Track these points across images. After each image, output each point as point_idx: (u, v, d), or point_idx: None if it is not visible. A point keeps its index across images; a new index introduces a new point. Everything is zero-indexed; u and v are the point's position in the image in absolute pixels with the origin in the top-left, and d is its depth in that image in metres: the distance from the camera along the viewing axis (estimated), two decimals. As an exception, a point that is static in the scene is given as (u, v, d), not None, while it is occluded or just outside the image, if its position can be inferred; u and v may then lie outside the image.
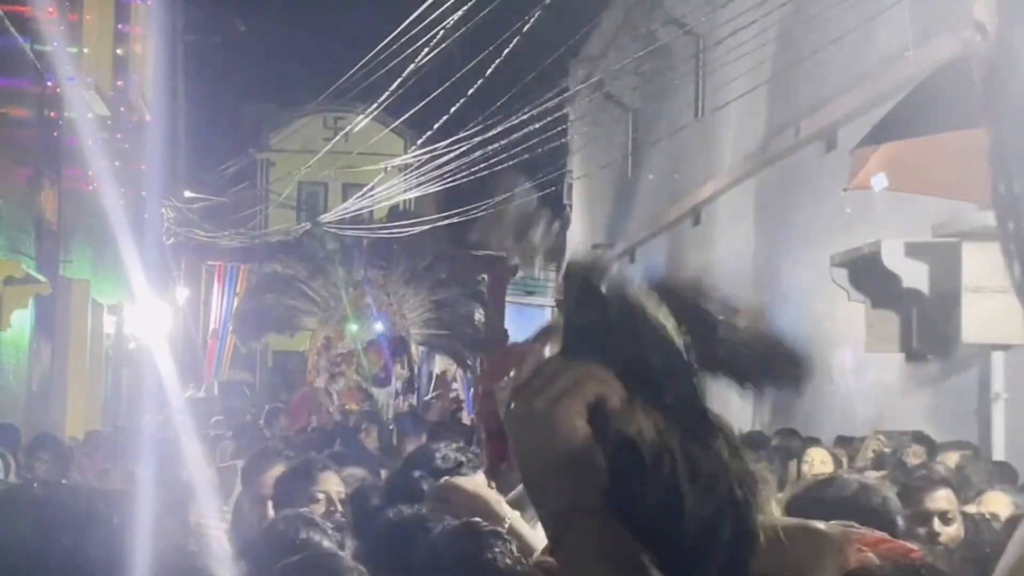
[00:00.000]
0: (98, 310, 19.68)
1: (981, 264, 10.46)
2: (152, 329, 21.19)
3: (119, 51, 19.28)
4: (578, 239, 32.21)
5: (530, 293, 38.78)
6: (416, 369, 29.61)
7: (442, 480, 4.92)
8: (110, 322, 21.72)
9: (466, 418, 21.07)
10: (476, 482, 4.87)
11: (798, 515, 3.10)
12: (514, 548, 4.12)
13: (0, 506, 1.88)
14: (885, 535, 4.23)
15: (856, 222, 13.12)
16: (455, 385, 32.02)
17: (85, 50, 16.18)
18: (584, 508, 1.91)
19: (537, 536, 4.41)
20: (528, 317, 38.45)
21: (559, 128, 21.92)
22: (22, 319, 14.84)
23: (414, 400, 27.25)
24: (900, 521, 4.80)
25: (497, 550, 4.02)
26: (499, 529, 4.22)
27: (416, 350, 29.24)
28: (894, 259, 11.52)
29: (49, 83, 15.16)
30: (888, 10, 12.62)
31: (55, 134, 16.04)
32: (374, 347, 27.09)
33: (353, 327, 27.71)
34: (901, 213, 12.16)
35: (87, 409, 17.86)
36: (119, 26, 19.37)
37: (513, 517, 4.48)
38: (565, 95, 22.07)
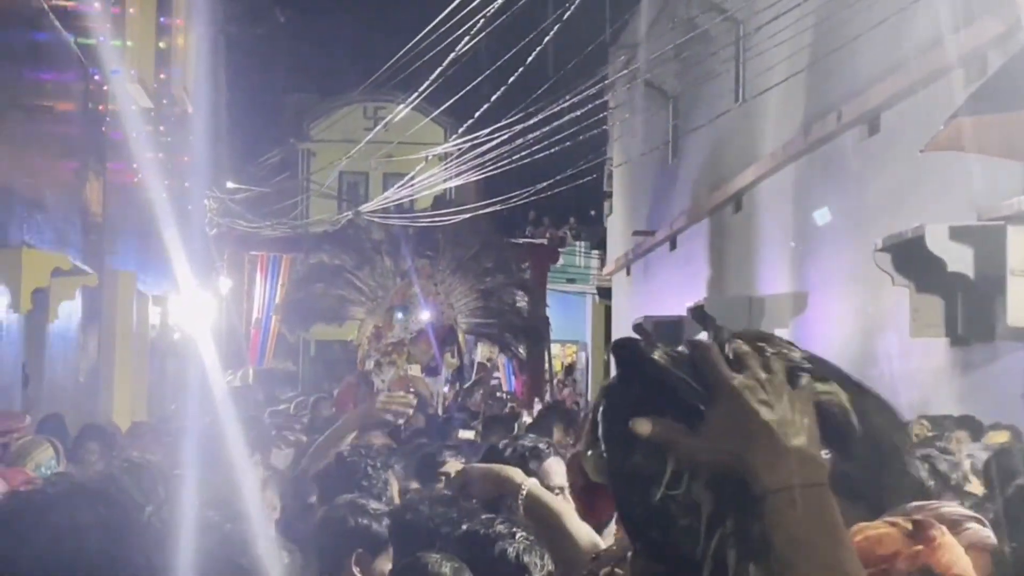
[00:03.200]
0: (143, 301, 19.79)
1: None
2: (196, 319, 21.31)
3: (162, 44, 19.38)
4: (619, 226, 32.24)
5: (571, 281, 38.85)
6: (464, 358, 29.67)
7: (457, 469, 5.06)
8: (155, 313, 21.86)
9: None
10: (486, 465, 4.85)
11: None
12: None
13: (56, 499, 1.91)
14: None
15: (899, 206, 13.06)
16: (497, 374, 32.12)
17: (129, 43, 16.24)
18: None
19: (558, 501, 4.58)
20: (569, 304, 38.55)
21: (599, 115, 21.91)
22: (69, 310, 14.92)
23: (459, 387, 27.32)
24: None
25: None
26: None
27: (463, 339, 29.26)
28: (938, 243, 11.45)
29: (94, 77, 15.24)
30: None
31: (100, 127, 16.11)
32: (423, 336, 27.16)
33: (401, 316, 27.80)
34: (945, 197, 12.12)
35: (133, 399, 17.96)
36: (161, 19, 19.47)
37: (530, 484, 4.49)
38: (605, 83, 22.05)
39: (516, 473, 4.57)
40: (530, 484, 4.46)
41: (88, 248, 15.68)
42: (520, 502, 4.39)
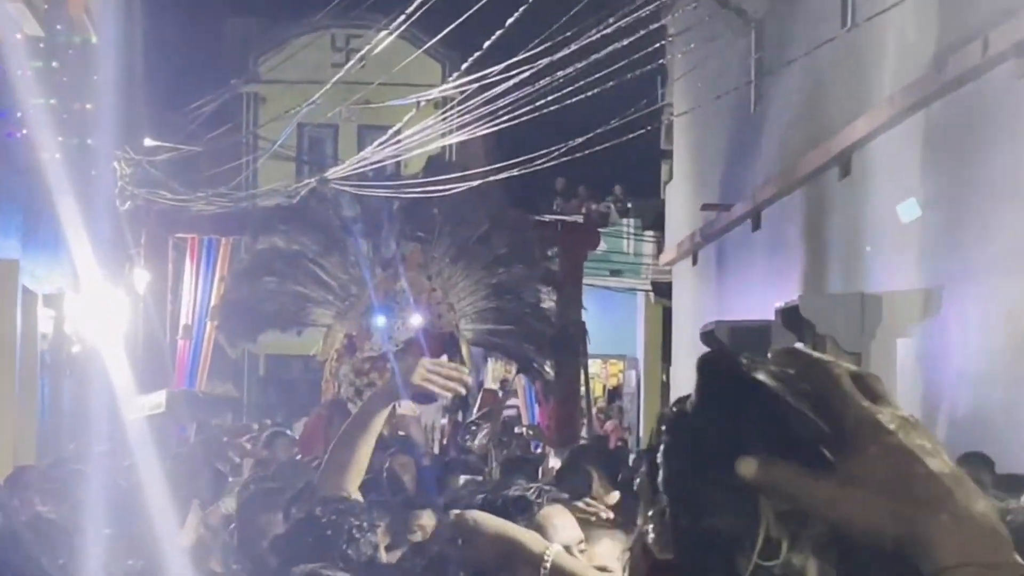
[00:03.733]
0: (30, 300, 19.85)
1: None
2: (102, 326, 21.37)
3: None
4: (682, 199, 32.27)
5: (616, 273, 38.86)
6: (470, 378, 29.62)
7: (455, 514, 5.16)
8: (46, 317, 21.92)
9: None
10: (499, 520, 5.04)
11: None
12: None
13: None
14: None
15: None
16: (514, 401, 32.10)
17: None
18: None
19: (586, 566, 4.88)
20: (614, 305, 38.59)
21: (656, 45, 21.96)
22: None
23: (461, 417, 27.35)
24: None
25: None
26: None
27: (468, 351, 29.26)
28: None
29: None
30: None
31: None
32: (414, 349, 27.17)
33: (383, 321, 27.83)
34: None
35: (16, 434, 18.01)
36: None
37: (554, 552, 4.73)
38: (663, 0, 22.12)
39: (537, 539, 4.81)
40: (555, 552, 4.68)
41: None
42: (543, 574, 4.62)
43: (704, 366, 2.07)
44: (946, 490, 1.85)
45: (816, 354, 1.97)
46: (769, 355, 2.04)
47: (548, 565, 4.65)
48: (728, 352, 2.09)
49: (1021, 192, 14.20)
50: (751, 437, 1.94)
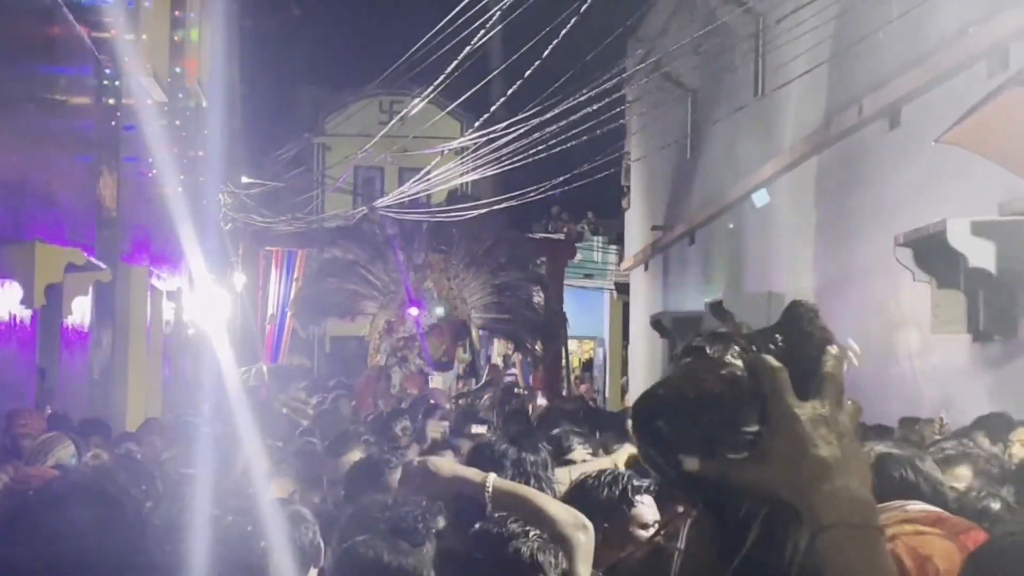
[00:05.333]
0: (157, 297, 19.83)
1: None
2: (210, 315, 21.35)
3: (176, 37, 19.38)
4: (637, 221, 32.24)
5: (588, 276, 38.79)
6: (477, 353, 29.71)
7: (415, 461, 4.99)
8: (169, 309, 21.89)
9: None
10: (446, 460, 4.99)
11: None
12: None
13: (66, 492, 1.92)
14: (941, 512, 4.27)
15: (921, 201, 13.04)
16: (513, 370, 32.17)
17: (143, 37, 16.25)
18: None
19: (523, 487, 4.68)
20: (586, 300, 38.54)
21: (617, 109, 21.88)
22: (83, 306, 14.98)
23: (474, 384, 27.31)
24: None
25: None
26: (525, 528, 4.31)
27: (477, 334, 29.28)
28: (960, 238, 11.46)
29: (107, 71, 15.28)
30: None
31: (113, 122, 16.14)
32: (436, 331, 27.21)
33: (414, 311, 27.81)
34: (966, 191, 12.11)
35: (146, 396, 18.00)
36: (176, 12, 19.47)
37: (492, 479, 4.55)
38: (623, 76, 22.04)
39: (478, 472, 4.64)
40: (492, 478, 4.52)
41: (102, 243, 15.71)
42: (488, 498, 4.46)
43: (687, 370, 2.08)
44: (829, 470, 1.89)
45: (769, 360, 2.00)
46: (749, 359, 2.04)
47: (490, 490, 4.48)
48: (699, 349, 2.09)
49: (883, 217, 14.21)
50: (713, 424, 1.98)
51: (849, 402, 1.95)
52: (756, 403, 1.96)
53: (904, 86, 13.98)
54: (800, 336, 2.06)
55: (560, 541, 4.22)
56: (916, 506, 4.20)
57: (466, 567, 4.20)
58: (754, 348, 2.04)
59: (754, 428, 1.96)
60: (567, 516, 4.34)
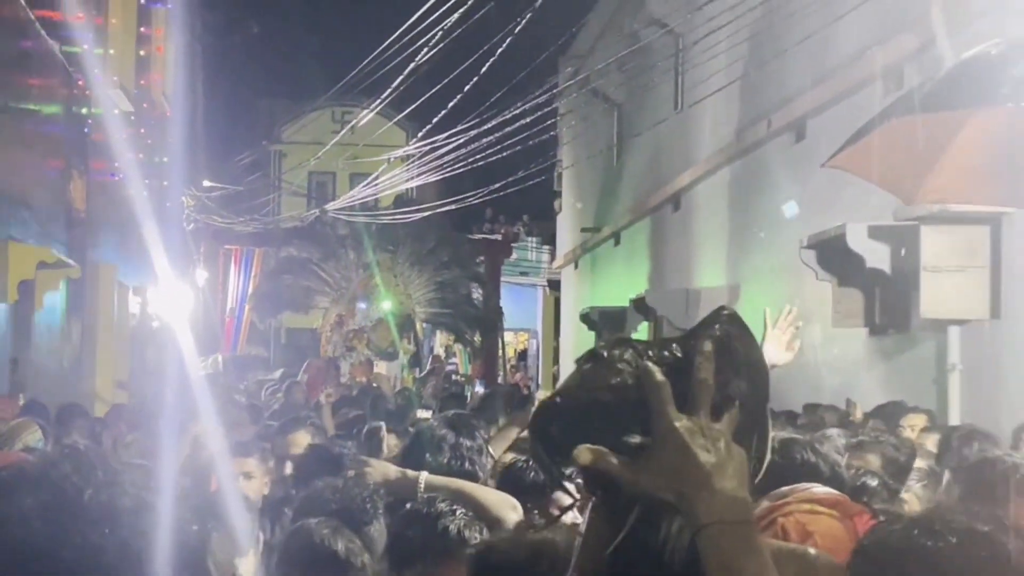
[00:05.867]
0: (124, 292, 19.67)
1: (938, 245, 10.53)
2: (174, 309, 21.21)
3: (142, 52, 19.27)
4: (567, 224, 32.29)
5: (523, 274, 38.88)
6: (420, 344, 29.73)
7: (353, 462, 5.07)
8: (135, 303, 21.73)
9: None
10: (381, 465, 4.93)
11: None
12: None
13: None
14: (840, 495, 4.30)
15: (823, 207, 13.12)
16: (454, 360, 32.18)
17: (111, 51, 16.16)
18: None
19: (454, 481, 4.69)
20: (521, 296, 38.60)
21: (550, 121, 21.92)
22: (54, 300, 14.85)
23: (419, 373, 27.28)
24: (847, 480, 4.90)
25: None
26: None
27: (421, 327, 29.27)
28: (858, 241, 11.55)
29: (78, 82, 15.15)
30: (852, 12, 12.66)
31: (83, 129, 16.02)
32: (382, 324, 27.20)
33: (363, 306, 27.79)
34: (864, 199, 12.19)
35: (114, 384, 17.86)
36: (142, 29, 19.36)
37: (424, 478, 4.64)
38: (555, 91, 22.09)
39: (408, 473, 4.71)
40: (424, 477, 4.62)
41: (72, 242, 15.60)
42: (421, 496, 4.50)
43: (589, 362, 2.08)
44: (707, 475, 1.90)
45: (654, 373, 1.99)
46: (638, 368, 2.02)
47: (422, 487, 4.57)
48: (600, 355, 2.08)
49: (789, 222, 14.29)
50: (601, 431, 1.97)
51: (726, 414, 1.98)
52: (643, 412, 1.96)
53: (809, 102, 14.06)
54: (698, 341, 2.06)
55: (493, 522, 4.26)
56: (821, 489, 4.23)
57: (398, 543, 4.20)
58: (650, 355, 2.02)
59: (638, 439, 1.96)
60: (497, 499, 4.41)
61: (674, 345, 2.05)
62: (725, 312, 2.12)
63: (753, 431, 2.11)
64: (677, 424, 1.94)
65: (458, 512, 4.24)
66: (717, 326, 2.09)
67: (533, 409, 2.15)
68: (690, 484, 1.94)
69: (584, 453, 1.93)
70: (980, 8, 10.41)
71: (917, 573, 2.23)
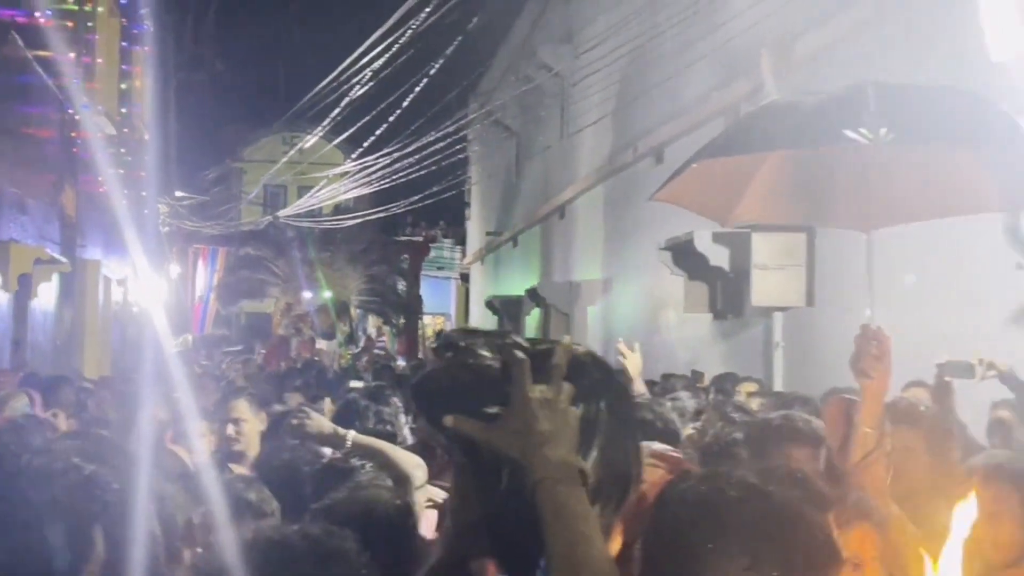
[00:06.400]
0: (108, 283, 19.41)
1: (765, 248, 10.67)
2: (150, 297, 20.95)
3: (123, 86, 19.01)
4: (476, 228, 32.28)
5: (440, 269, 38.81)
6: (355, 326, 29.63)
7: (296, 419, 4.88)
8: (118, 292, 21.44)
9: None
10: (319, 419, 4.78)
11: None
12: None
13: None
14: (673, 451, 4.35)
15: (676, 217, 13.23)
16: (383, 339, 32.08)
17: (97, 85, 15.93)
18: None
19: (376, 440, 4.55)
20: (438, 286, 38.53)
21: (461, 145, 21.99)
22: (48, 290, 14.64)
23: (354, 349, 27.17)
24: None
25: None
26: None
27: (355, 312, 29.20)
28: (704, 245, 11.70)
29: (68, 110, 14.92)
30: (700, 60, 12.81)
31: (73, 149, 15.77)
32: (323, 310, 27.06)
33: (308, 295, 27.66)
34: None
35: (99, 359, 17.61)
36: (123, 67, 19.10)
37: (351, 436, 4.50)
38: (465, 121, 22.13)
39: (338, 430, 4.57)
40: (351, 435, 4.49)
41: (64, 242, 15.36)
42: (347, 449, 4.44)
43: (445, 348, 2.05)
44: (545, 439, 1.89)
45: (517, 353, 1.97)
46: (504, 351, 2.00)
47: (349, 443, 4.45)
48: (458, 345, 2.04)
49: (650, 229, 14.29)
50: (466, 405, 1.94)
51: (567, 385, 1.97)
52: (499, 389, 1.94)
53: (666, 133, 14.15)
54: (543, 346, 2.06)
55: (403, 478, 4.21)
56: (659, 445, 4.25)
57: (317, 491, 4.13)
58: (506, 342, 2.01)
59: (495, 409, 1.93)
60: (408, 459, 4.33)
61: (515, 338, 2.07)
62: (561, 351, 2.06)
63: (625, 437, 2.09)
64: (530, 395, 1.93)
65: (367, 467, 4.22)
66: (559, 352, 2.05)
67: (411, 388, 2.16)
68: (530, 445, 1.92)
69: (448, 419, 1.92)
70: (797, 60, 10.63)
71: (703, 523, 2.14)
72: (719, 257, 11.69)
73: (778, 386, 10.37)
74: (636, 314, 15.69)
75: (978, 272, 7.85)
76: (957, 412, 6.50)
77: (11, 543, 1.84)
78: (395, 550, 3.24)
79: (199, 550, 2.80)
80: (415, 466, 4.36)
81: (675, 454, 4.18)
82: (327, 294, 27.33)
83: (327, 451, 4.79)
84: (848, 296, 9.03)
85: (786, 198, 4.40)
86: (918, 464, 3.88)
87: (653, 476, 3.65)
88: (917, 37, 8.54)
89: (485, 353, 2.00)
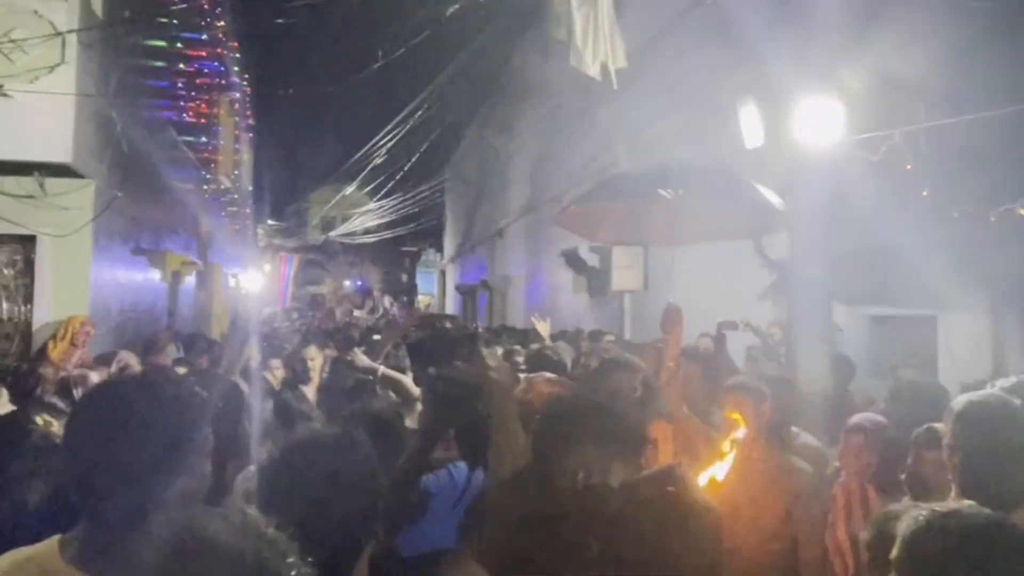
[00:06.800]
0: (226, 277, 19.15)
1: (620, 255, 10.76)
2: (255, 287, 20.73)
3: (235, 157, 18.72)
4: (449, 243, 32.10)
5: (428, 267, 38.50)
6: (378, 302, 29.46)
7: (350, 354, 4.45)
8: (232, 281, 21.14)
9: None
10: (362, 355, 4.29)
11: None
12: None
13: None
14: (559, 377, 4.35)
15: (568, 237, 13.18)
16: (394, 310, 31.94)
17: (220, 157, 15.71)
18: None
19: (395, 374, 4.07)
20: (427, 278, 38.12)
21: (441, 198, 21.97)
22: (190, 282, 14.45)
23: (377, 315, 26.97)
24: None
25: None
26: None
27: (378, 294, 29.00)
28: (585, 253, 11.81)
29: (203, 173, 14.71)
30: (583, 142, 12.78)
31: (206, 196, 15.55)
32: (357, 291, 26.97)
33: (347, 283, 27.43)
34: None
35: (222, 324, 17.33)
36: (236, 146, 18.80)
37: (381, 369, 4.02)
38: (444, 179, 22.08)
39: (372, 364, 4.17)
40: (381, 368, 4.11)
41: (199, 253, 15.16)
42: (378, 377, 4.10)
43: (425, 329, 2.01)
44: (492, 374, 1.83)
45: (474, 326, 1.95)
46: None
47: (380, 373, 4.02)
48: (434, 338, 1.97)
49: (553, 244, 14.11)
50: (436, 355, 1.89)
51: (499, 349, 1.98)
52: (458, 345, 1.91)
53: (564, 186, 13.98)
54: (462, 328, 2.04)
55: (409, 397, 3.85)
56: (550, 375, 4.23)
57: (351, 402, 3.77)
58: (454, 323, 2.02)
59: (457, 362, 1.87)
60: (412, 387, 3.96)
61: (456, 318, 2.10)
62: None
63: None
64: (485, 351, 1.97)
65: (385, 394, 3.92)
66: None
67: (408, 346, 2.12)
68: (486, 378, 1.89)
69: (431, 370, 1.86)
70: (645, 142, 10.70)
71: (571, 422, 1.97)
72: (593, 260, 11.80)
73: (627, 336, 10.41)
74: (546, 296, 15.74)
75: (740, 269, 8.03)
76: (729, 353, 6.67)
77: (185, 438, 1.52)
78: (391, 441, 2.96)
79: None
80: (416, 391, 4.09)
81: (563, 378, 4.22)
82: (359, 283, 27.20)
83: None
84: (665, 284, 9.18)
85: (628, 228, 4.55)
86: (699, 385, 3.88)
87: (547, 390, 3.69)
88: (709, 132, 8.70)
89: (448, 326, 2.03)
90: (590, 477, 1.86)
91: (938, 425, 2.70)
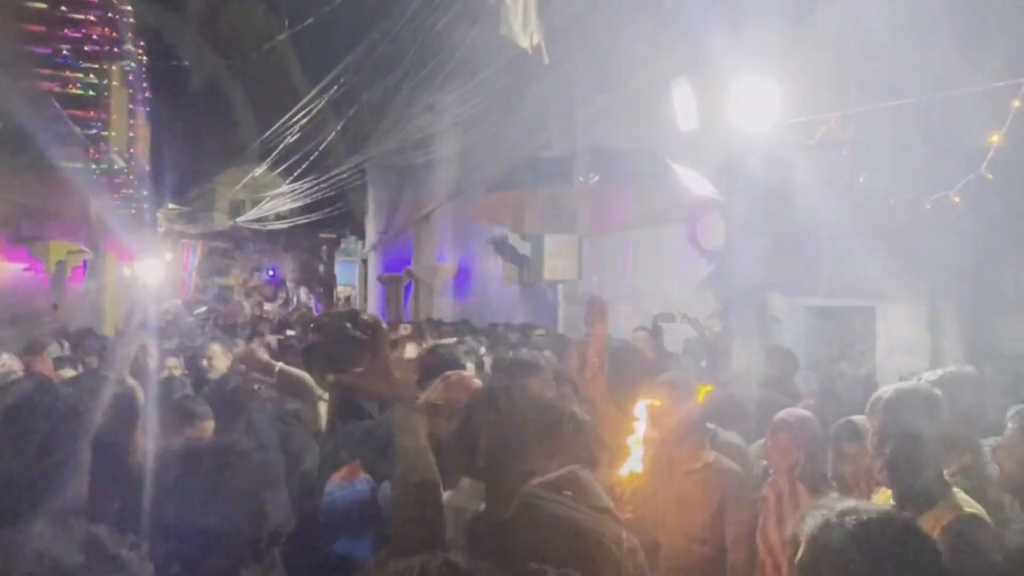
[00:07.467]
0: (120, 266, 18.53)
1: (552, 243, 10.88)
2: (153, 275, 20.13)
3: (131, 134, 18.12)
4: (372, 229, 31.79)
5: (348, 255, 38.04)
6: (289, 295, 29.01)
7: (246, 349, 4.39)
8: (127, 271, 20.47)
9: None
10: (262, 352, 4.31)
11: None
12: None
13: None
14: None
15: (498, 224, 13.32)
16: (310, 303, 31.52)
17: (112, 133, 15.16)
18: None
19: (294, 370, 3.97)
20: (347, 267, 37.72)
21: (362, 180, 21.75)
22: (78, 272, 13.93)
23: (290, 309, 26.58)
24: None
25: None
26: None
27: (290, 284, 28.55)
28: (515, 241, 11.88)
29: (91, 151, 14.18)
30: (511, 128, 12.80)
31: (94, 177, 14.97)
32: (269, 283, 26.50)
33: (257, 273, 26.94)
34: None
35: (116, 318, 16.78)
36: (131, 121, 18.20)
37: (280, 366, 3.95)
38: (366, 160, 21.80)
39: (271, 362, 4.14)
40: (280, 365, 4.04)
41: (88, 239, 14.62)
42: (275, 374, 4.03)
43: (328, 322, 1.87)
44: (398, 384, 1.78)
45: (381, 321, 1.85)
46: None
47: (277, 370, 3.96)
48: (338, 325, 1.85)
49: (481, 231, 14.17)
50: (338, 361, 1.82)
51: (408, 345, 1.98)
52: (359, 348, 1.80)
53: (493, 170, 14.12)
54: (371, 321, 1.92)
55: (309, 392, 3.79)
56: (464, 373, 4.13)
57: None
58: (357, 319, 1.88)
59: (359, 368, 1.80)
60: (312, 383, 3.89)
61: (359, 314, 2.00)
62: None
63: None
64: (386, 353, 1.84)
65: (261, 389, 3.79)
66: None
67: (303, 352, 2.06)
68: (389, 388, 1.85)
69: (330, 377, 1.85)
70: (580, 122, 10.80)
71: (517, 423, 1.94)
72: (525, 249, 11.85)
73: (561, 330, 10.47)
74: (476, 288, 15.75)
75: (675, 260, 8.19)
76: (665, 345, 6.78)
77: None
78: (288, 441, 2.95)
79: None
80: (315, 386, 3.95)
81: (471, 378, 4.11)
82: (270, 272, 26.75)
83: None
84: (598, 273, 9.32)
85: (553, 216, 4.58)
86: (629, 381, 3.98)
87: (472, 385, 3.65)
88: (642, 115, 8.84)
89: (347, 325, 1.87)
90: (533, 475, 1.82)
91: (858, 418, 2.80)
